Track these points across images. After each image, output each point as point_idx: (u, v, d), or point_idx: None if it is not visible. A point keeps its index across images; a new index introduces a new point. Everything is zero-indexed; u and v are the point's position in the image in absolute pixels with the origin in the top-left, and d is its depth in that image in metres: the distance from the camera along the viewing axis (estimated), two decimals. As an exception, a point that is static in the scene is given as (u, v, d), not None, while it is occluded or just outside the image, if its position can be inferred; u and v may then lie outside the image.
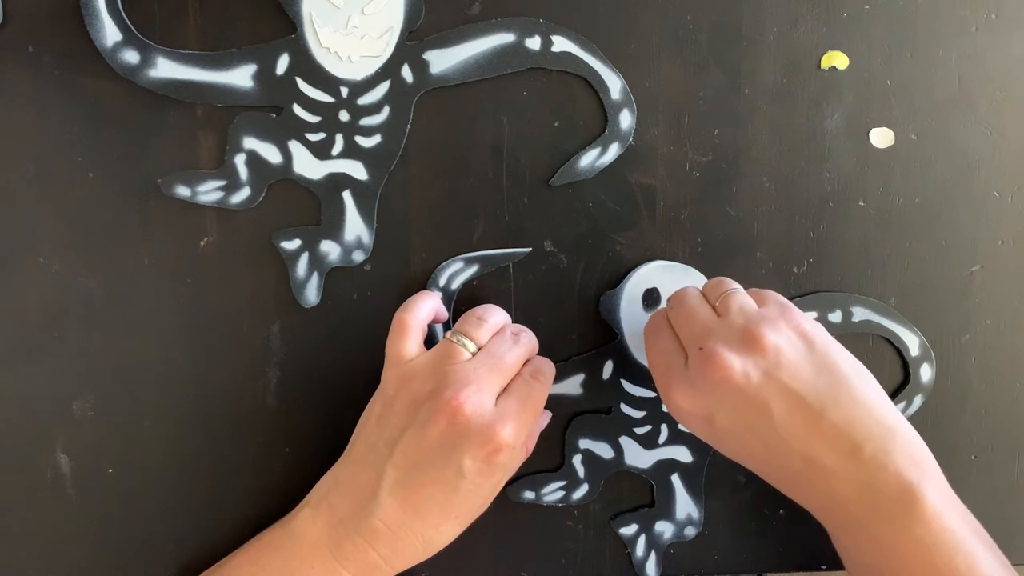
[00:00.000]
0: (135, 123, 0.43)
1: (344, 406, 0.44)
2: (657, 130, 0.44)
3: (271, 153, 0.43)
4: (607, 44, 0.43)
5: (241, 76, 0.42)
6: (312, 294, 0.44)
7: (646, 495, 0.46)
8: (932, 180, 0.45)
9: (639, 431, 0.46)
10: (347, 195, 0.43)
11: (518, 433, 0.38)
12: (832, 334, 0.39)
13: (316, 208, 0.43)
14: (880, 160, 0.45)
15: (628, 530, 0.46)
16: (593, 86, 0.43)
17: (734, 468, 0.46)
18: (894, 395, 0.46)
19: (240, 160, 0.43)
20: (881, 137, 0.45)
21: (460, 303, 0.44)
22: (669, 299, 0.41)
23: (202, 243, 0.43)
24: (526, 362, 0.41)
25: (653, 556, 0.46)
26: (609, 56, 0.43)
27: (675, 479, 0.46)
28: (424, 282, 0.44)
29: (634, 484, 0.46)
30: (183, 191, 0.43)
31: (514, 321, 0.44)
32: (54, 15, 0.42)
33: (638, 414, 0.46)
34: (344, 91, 0.42)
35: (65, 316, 0.43)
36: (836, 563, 0.48)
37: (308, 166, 0.43)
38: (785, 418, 0.36)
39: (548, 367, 0.42)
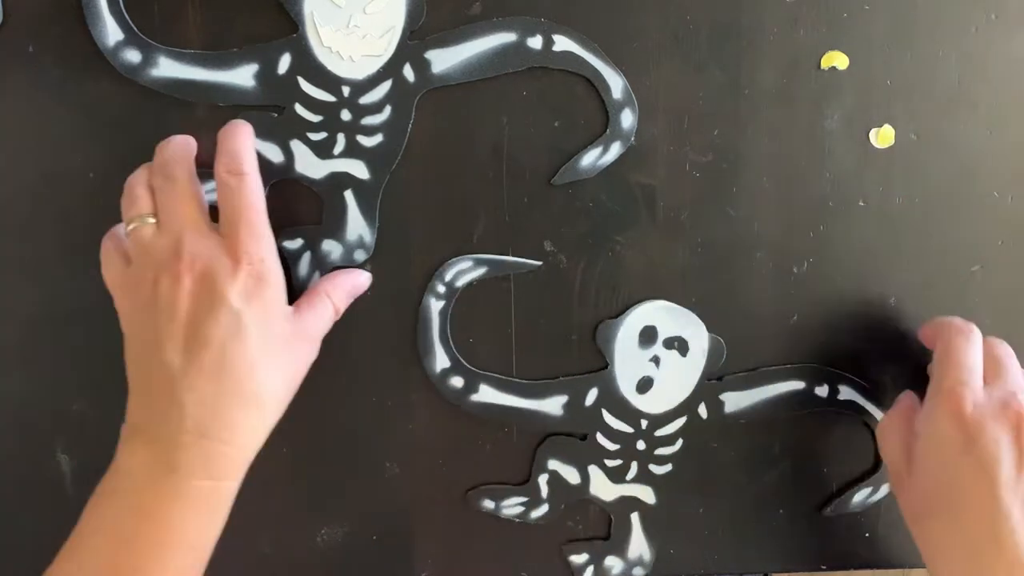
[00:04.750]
0: (135, 123, 0.43)
1: (344, 406, 0.44)
2: (657, 130, 0.44)
3: (273, 152, 0.43)
4: (607, 44, 0.43)
5: (243, 75, 0.42)
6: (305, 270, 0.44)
7: (602, 527, 0.46)
8: (932, 180, 0.45)
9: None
10: (349, 194, 0.43)
11: (254, 239, 0.37)
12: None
13: (318, 207, 0.44)
14: (880, 160, 0.45)
15: (578, 558, 0.46)
16: (595, 85, 0.43)
17: (735, 468, 0.46)
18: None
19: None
20: (881, 137, 0.45)
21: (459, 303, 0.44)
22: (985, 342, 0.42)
23: (202, 243, 0.43)
24: (219, 156, 0.39)
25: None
26: (609, 57, 0.43)
27: (634, 518, 0.46)
28: (425, 282, 0.44)
29: (593, 514, 0.46)
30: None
31: (514, 321, 0.44)
32: (54, 15, 0.42)
33: (612, 446, 0.45)
34: (346, 90, 0.42)
35: (65, 316, 0.43)
36: (836, 563, 0.48)
37: (310, 165, 0.43)
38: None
39: (242, 147, 0.39)
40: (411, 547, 0.40)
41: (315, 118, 0.42)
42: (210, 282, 0.37)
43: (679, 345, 0.45)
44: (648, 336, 0.44)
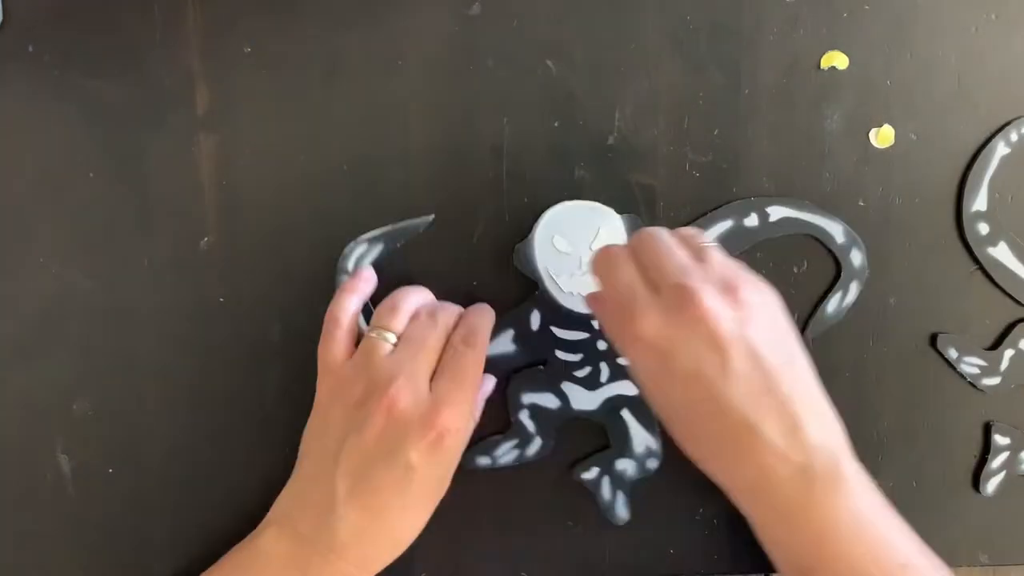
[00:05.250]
0: (135, 123, 0.43)
1: (344, 406, 0.44)
2: (657, 130, 0.44)
3: (550, 401, 0.45)
4: (607, 44, 0.44)
5: (503, 343, 0.45)
6: (622, 511, 0.46)
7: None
8: (932, 180, 0.45)
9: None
10: (626, 412, 0.45)
11: (458, 414, 0.38)
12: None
13: (601, 433, 0.45)
14: (880, 160, 0.45)
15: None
16: (818, 238, 0.45)
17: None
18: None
19: (525, 416, 0.45)
20: (881, 137, 0.45)
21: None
22: (635, 236, 0.39)
23: (202, 243, 0.44)
24: (459, 323, 0.41)
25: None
26: (609, 56, 0.44)
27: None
28: (425, 285, 0.44)
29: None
30: (484, 461, 0.45)
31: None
32: (54, 15, 0.42)
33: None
34: (595, 323, 0.44)
35: (65, 316, 0.43)
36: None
37: (584, 400, 0.45)
38: (742, 373, 0.35)
39: (481, 326, 0.41)
40: (411, 547, 0.40)
41: (576, 357, 0.45)
42: (400, 431, 0.38)
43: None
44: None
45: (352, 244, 0.44)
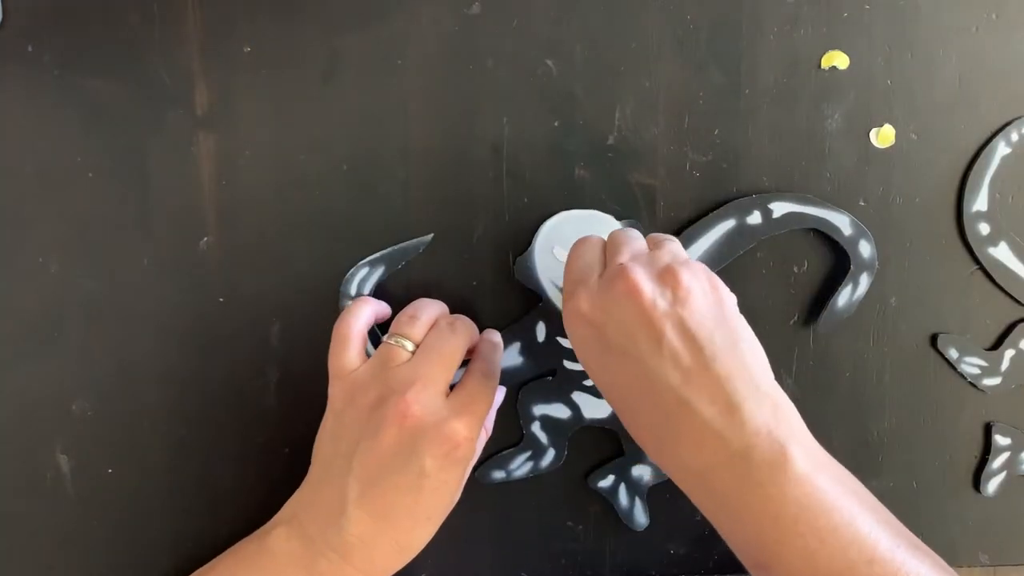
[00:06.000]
0: (135, 123, 0.43)
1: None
2: (657, 130, 0.44)
3: (560, 411, 0.45)
4: (607, 44, 0.44)
5: (510, 356, 0.45)
6: (641, 517, 0.46)
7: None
8: (932, 180, 0.45)
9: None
10: None
11: (473, 425, 0.38)
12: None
13: (615, 441, 0.46)
14: (880, 160, 0.45)
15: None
16: (825, 232, 0.44)
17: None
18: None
19: (536, 427, 0.45)
20: (881, 137, 0.45)
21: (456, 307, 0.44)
22: (612, 232, 0.40)
23: (202, 243, 0.44)
24: (474, 351, 0.42)
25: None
26: (609, 56, 0.44)
27: None
28: (425, 286, 0.44)
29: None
30: (499, 474, 0.45)
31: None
32: (54, 15, 0.42)
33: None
34: None
35: (65, 316, 0.43)
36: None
37: (594, 408, 0.45)
38: (674, 349, 0.35)
39: (495, 355, 0.42)
40: (411, 547, 0.40)
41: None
42: (415, 439, 0.38)
43: None
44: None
45: (353, 268, 0.44)
